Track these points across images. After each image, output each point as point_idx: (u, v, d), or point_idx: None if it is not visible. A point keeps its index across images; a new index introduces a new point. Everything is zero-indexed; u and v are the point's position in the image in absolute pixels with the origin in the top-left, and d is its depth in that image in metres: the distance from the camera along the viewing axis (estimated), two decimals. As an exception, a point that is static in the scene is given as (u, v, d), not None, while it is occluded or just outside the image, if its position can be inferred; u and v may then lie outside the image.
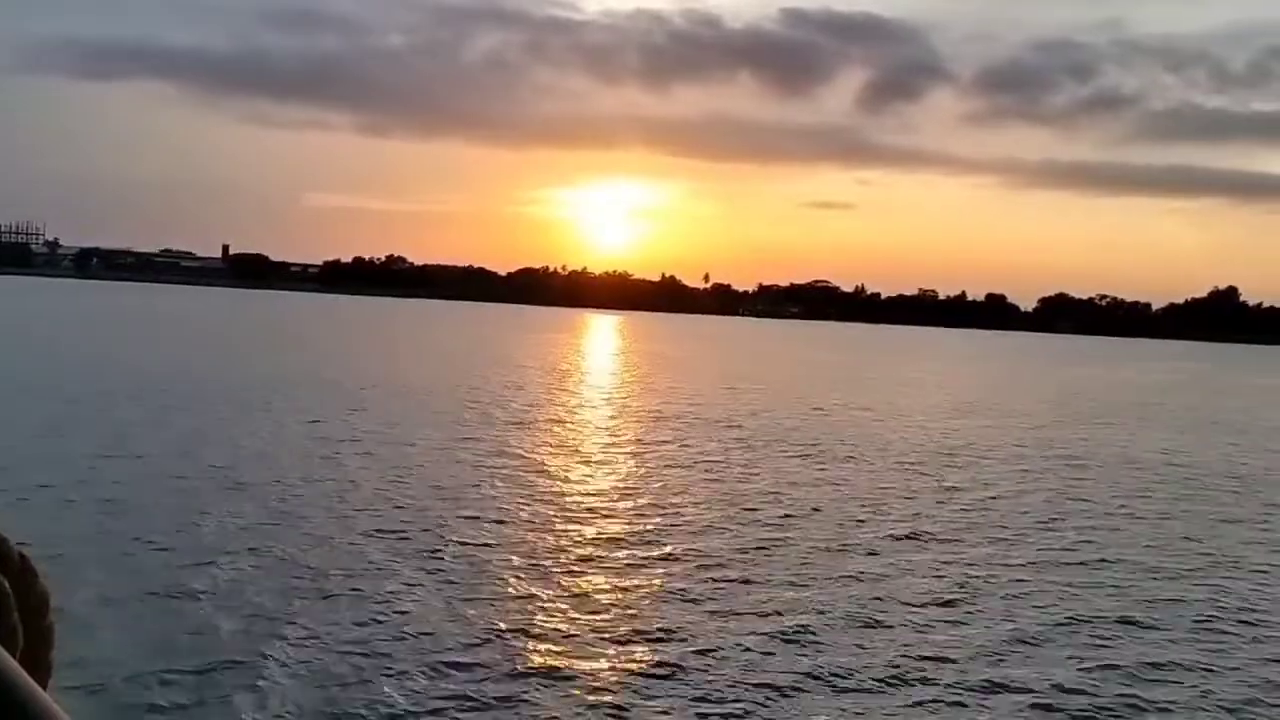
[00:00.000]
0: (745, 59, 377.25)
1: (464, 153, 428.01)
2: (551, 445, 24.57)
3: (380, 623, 10.88)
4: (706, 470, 21.99)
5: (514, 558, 13.84)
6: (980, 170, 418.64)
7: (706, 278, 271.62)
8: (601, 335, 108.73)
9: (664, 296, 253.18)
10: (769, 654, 10.57)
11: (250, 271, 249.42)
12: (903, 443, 28.13)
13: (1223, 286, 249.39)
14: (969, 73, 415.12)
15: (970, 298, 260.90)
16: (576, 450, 24.07)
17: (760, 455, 24.46)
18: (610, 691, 9.44)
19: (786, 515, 17.55)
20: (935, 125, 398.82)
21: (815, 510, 18.16)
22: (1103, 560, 15.49)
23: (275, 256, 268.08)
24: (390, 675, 9.49)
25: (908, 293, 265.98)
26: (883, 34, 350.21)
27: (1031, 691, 9.96)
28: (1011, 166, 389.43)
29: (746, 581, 13.27)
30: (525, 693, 9.32)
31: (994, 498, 20.46)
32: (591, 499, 18.23)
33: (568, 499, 18.09)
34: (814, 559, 14.65)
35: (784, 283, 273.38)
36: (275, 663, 9.57)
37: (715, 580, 13.27)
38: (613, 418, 31.48)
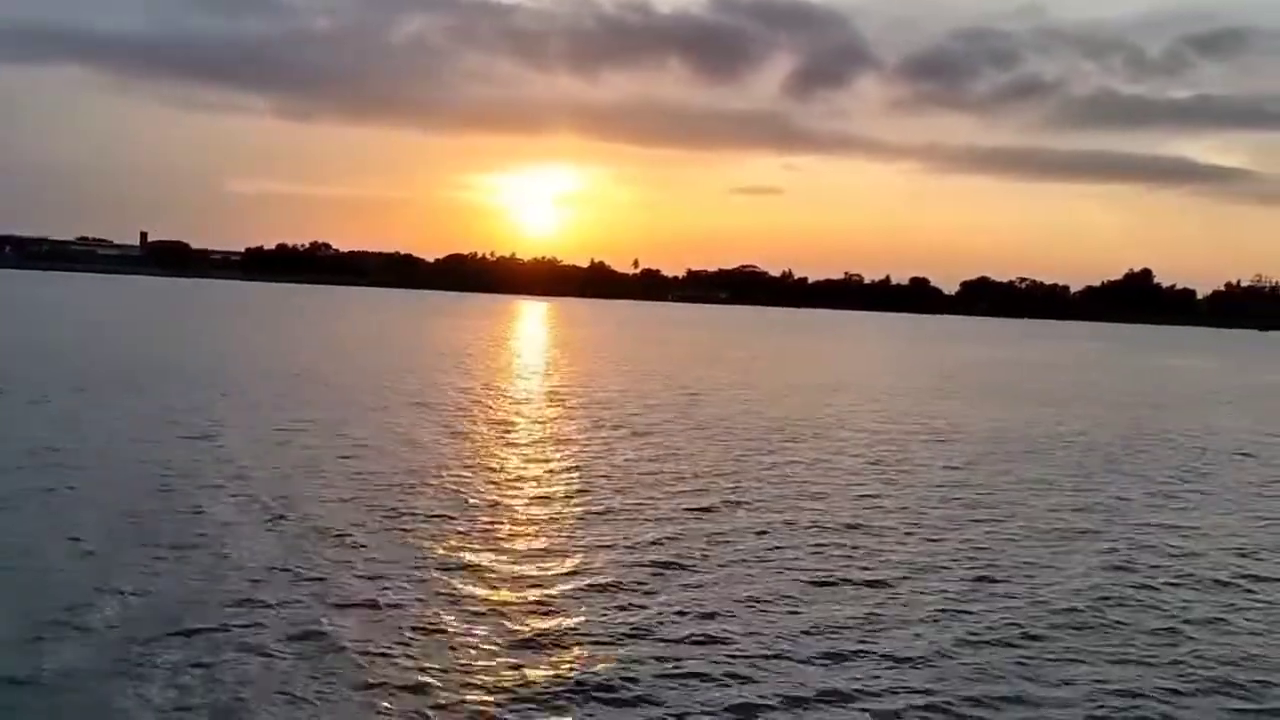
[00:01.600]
0: (674, 44, 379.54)
1: (391, 138, 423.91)
2: (411, 429, 24.90)
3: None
4: (557, 448, 22.56)
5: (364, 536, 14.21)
6: (905, 156, 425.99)
7: (636, 263, 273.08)
8: (523, 321, 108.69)
9: (593, 282, 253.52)
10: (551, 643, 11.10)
11: (170, 259, 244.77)
12: (758, 417, 29.00)
13: (1138, 269, 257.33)
14: (894, 60, 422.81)
15: (895, 281, 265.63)
16: (444, 433, 24.40)
17: (616, 434, 25.11)
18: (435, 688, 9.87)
19: (616, 489, 18.13)
20: (861, 111, 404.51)
21: (654, 482, 18.79)
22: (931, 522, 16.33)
23: (196, 244, 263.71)
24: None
25: (835, 277, 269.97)
26: (810, 20, 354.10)
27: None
28: (935, 152, 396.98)
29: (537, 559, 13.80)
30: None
31: (813, 465, 21.32)
32: (448, 481, 18.60)
33: (415, 481, 18.44)
34: (629, 529, 15.25)
35: (712, 268, 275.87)
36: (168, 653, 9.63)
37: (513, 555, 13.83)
38: (490, 401, 31.86)
